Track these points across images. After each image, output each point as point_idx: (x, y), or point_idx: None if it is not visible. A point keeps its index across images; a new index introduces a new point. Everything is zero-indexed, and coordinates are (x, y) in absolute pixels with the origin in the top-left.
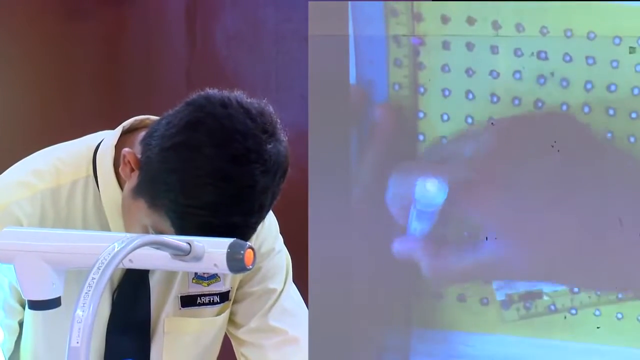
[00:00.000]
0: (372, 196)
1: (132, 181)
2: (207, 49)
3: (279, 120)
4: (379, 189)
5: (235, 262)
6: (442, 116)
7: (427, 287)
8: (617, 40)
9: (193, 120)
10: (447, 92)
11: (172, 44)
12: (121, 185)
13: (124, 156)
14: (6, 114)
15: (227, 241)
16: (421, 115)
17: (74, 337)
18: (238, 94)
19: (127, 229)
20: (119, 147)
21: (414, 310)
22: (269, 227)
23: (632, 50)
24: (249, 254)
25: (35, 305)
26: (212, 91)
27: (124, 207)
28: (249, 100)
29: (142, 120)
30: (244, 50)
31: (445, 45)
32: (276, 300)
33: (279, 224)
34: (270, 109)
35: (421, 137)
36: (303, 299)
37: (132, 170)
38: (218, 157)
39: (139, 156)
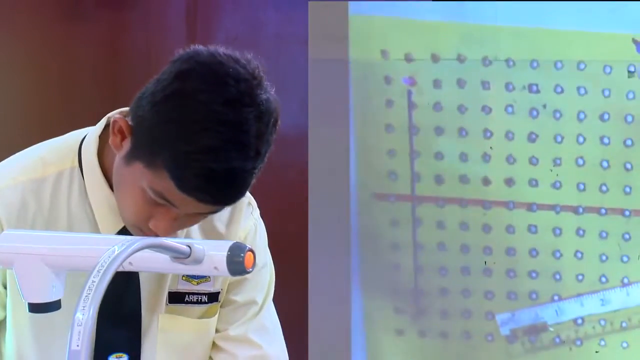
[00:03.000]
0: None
1: (123, 149)
2: None
3: (264, 73)
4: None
5: (236, 265)
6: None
7: (431, 323)
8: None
9: (183, 70)
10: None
11: (172, 47)
12: (106, 175)
13: (114, 124)
14: (7, 116)
15: (227, 244)
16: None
17: (74, 340)
18: (223, 48)
19: (122, 202)
20: (103, 138)
21: (419, 348)
22: (262, 238)
23: (630, 75)
24: (249, 256)
25: (36, 308)
26: (197, 46)
27: (117, 179)
28: (235, 52)
29: (127, 113)
30: (244, 52)
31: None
32: (257, 313)
33: (278, 226)
34: (256, 62)
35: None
36: (301, 303)
37: (123, 138)
38: (213, 101)
39: (129, 123)
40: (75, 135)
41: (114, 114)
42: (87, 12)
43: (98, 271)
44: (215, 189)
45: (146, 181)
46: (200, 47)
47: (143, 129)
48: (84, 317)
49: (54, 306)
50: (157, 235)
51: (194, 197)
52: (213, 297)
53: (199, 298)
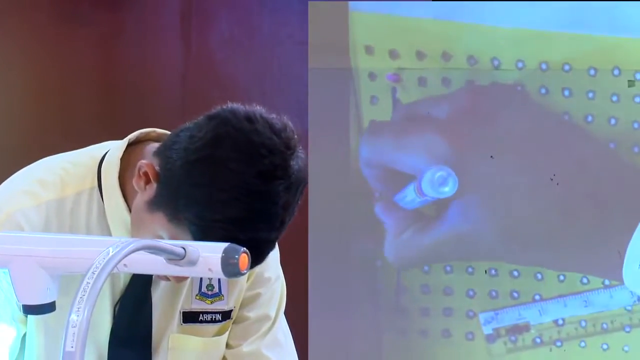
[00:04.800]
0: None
1: (147, 193)
2: (203, 53)
3: (297, 136)
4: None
5: (230, 267)
6: None
7: (412, 323)
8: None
9: (219, 134)
10: None
11: (167, 48)
12: (126, 197)
13: (140, 168)
14: (4, 117)
15: (221, 246)
16: None
17: (69, 342)
18: (259, 109)
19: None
20: (124, 159)
21: (399, 347)
22: (274, 254)
23: (630, 83)
24: (243, 258)
25: (30, 309)
26: (236, 105)
27: (136, 220)
28: (271, 115)
29: (147, 133)
30: (240, 54)
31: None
32: (270, 328)
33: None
34: (291, 125)
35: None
36: (301, 308)
37: (148, 182)
38: (245, 172)
39: (156, 168)
40: (93, 153)
41: (135, 135)
42: (82, 14)
43: (92, 273)
44: None
45: (166, 233)
46: (238, 108)
47: (171, 184)
48: (78, 318)
49: (48, 308)
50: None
51: None
52: (226, 315)
53: (213, 317)
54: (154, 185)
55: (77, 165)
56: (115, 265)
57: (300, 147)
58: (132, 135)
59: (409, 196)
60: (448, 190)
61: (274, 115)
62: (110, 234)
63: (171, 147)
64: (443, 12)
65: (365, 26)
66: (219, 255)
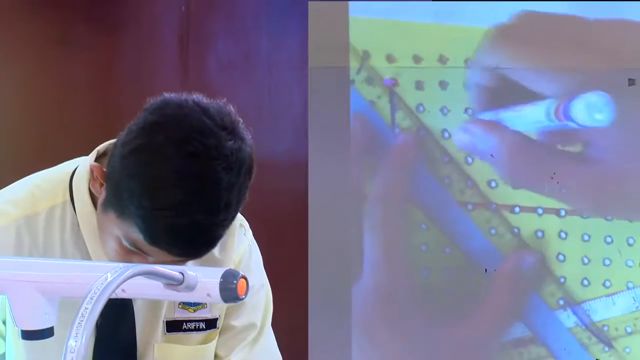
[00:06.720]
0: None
1: (102, 195)
2: (200, 78)
3: (240, 120)
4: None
5: (228, 292)
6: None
7: (413, 327)
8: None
9: (150, 123)
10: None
11: (164, 72)
12: (97, 207)
13: (92, 171)
14: (6, 136)
15: (220, 270)
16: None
17: None
18: (196, 96)
19: (103, 246)
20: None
21: (399, 352)
22: (257, 260)
23: (631, 82)
24: (241, 283)
25: (29, 335)
26: (168, 94)
27: (98, 224)
28: (207, 100)
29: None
30: (237, 78)
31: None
32: (257, 337)
33: (279, 245)
34: (231, 108)
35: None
36: (303, 305)
37: (102, 184)
38: (177, 156)
39: (104, 169)
40: (65, 168)
41: (104, 147)
42: (81, 39)
43: (91, 298)
44: (183, 243)
45: (120, 232)
46: (170, 97)
47: (114, 180)
48: (76, 344)
49: (47, 333)
50: None
51: (164, 249)
52: (211, 323)
53: (197, 325)
54: (105, 186)
55: (50, 181)
56: (114, 291)
57: (244, 130)
58: (101, 147)
59: (532, 117)
60: (603, 118)
61: (211, 100)
62: (85, 246)
63: (115, 145)
64: (439, 15)
65: (362, 31)
66: (217, 280)
